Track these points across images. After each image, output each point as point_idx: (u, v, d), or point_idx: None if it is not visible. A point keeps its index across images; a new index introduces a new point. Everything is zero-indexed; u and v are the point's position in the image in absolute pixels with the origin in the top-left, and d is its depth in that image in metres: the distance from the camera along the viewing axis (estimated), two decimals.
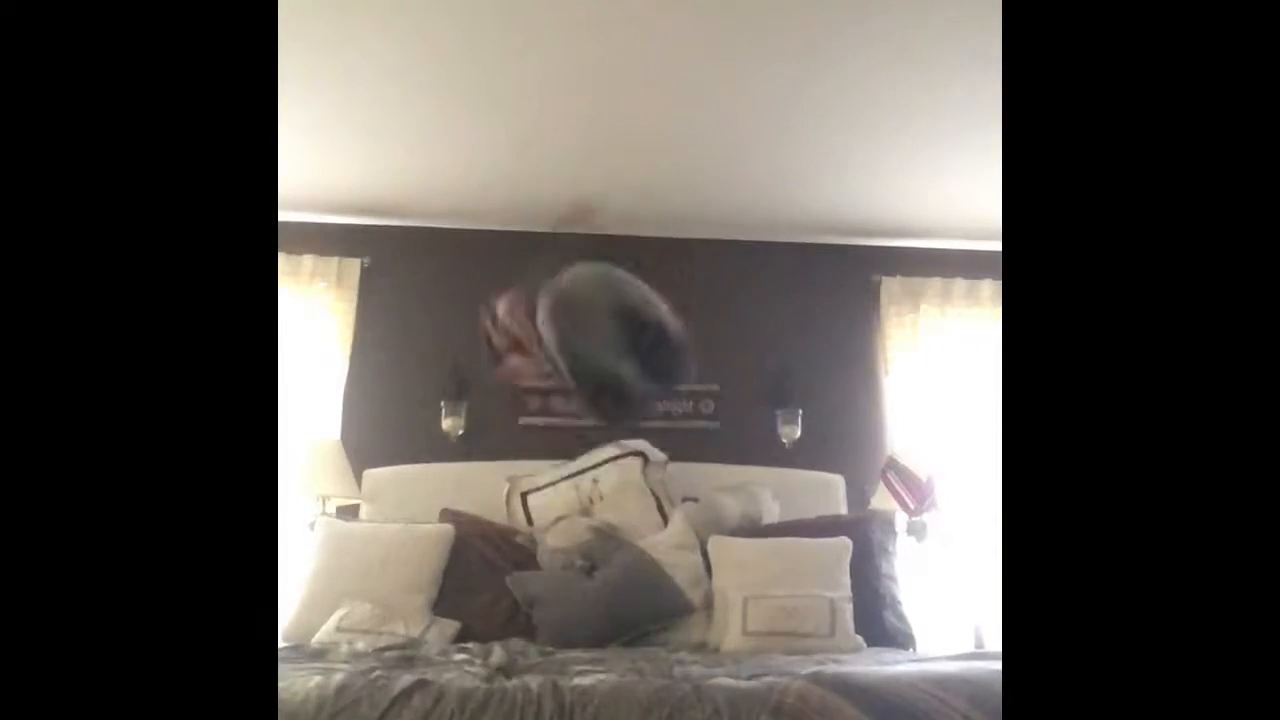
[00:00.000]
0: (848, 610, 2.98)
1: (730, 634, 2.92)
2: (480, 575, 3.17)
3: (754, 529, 3.47)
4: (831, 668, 1.98)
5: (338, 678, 1.77)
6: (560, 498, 3.59)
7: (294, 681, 1.77)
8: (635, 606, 2.90)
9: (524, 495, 3.62)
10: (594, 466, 3.68)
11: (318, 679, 1.77)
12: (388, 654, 2.37)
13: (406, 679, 1.77)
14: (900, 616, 3.30)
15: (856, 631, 2.95)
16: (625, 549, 3.17)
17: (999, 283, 4.33)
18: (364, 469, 3.84)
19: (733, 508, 3.53)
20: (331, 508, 3.71)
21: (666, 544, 3.32)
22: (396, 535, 3.25)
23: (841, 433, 4.26)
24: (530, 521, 3.53)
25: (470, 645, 2.58)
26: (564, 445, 3.98)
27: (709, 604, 3.15)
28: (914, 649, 3.14)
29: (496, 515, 3.55)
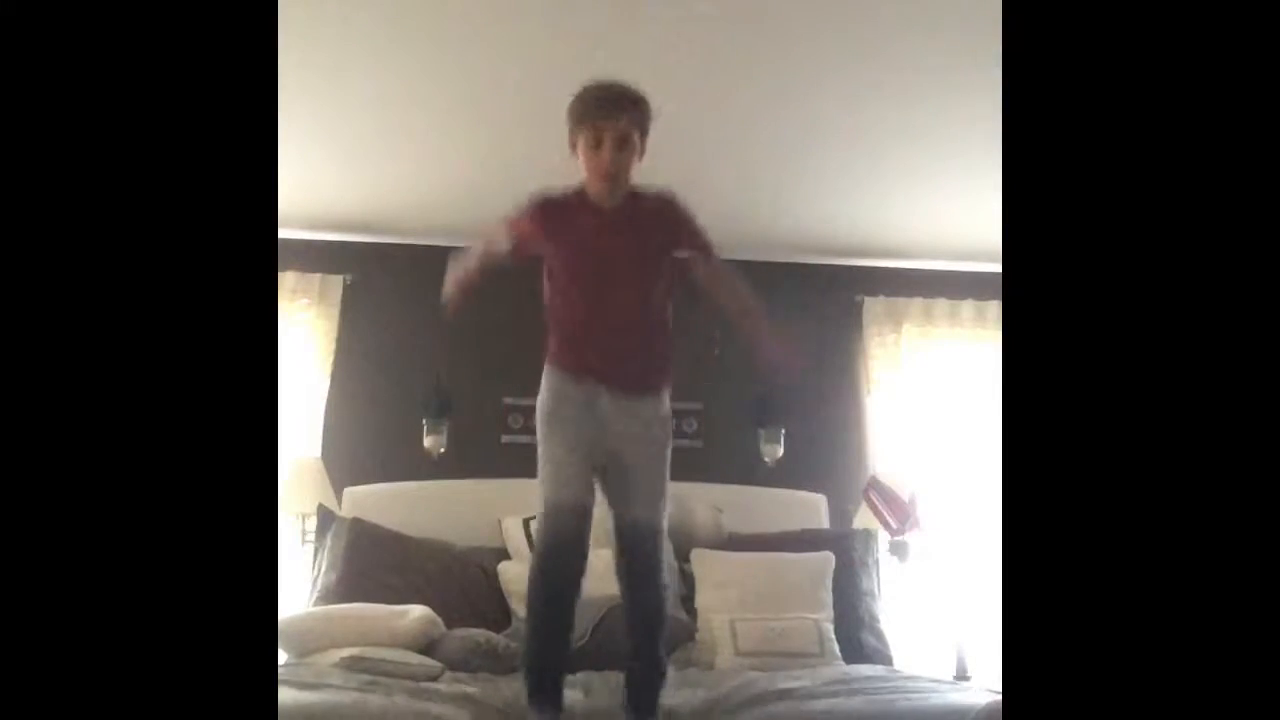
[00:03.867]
0: (831, 631, 2.99)
1: (722, 654, 2.91)
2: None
3: (737, 542, 3.47)
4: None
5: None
6: None
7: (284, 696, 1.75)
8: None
9: (526, 522, 3.58)
10: None
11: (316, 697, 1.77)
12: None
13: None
14: (879, 635, 3.30)
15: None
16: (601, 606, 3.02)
17: (981, 303, 4.35)
18: (345, 487, 3.81)
19: (706, 518, 3.54)
20: (311, 526, 3.67)
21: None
22: (375, 619, 2.90)
23: (824, 452, 4.26)
24: (532, 547, 3.49)
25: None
26: None
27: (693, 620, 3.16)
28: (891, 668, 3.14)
29: (478, 536, 3.53)
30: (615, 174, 2.09)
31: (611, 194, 2.13)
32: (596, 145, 2.08)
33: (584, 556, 2.03)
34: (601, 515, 2.14)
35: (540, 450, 2.12)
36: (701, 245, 2.22)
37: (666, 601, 2.12)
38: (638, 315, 2.16)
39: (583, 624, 2.79)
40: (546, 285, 2.18)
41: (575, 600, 2.03)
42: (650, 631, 2.09)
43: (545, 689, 2.01)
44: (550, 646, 2.04)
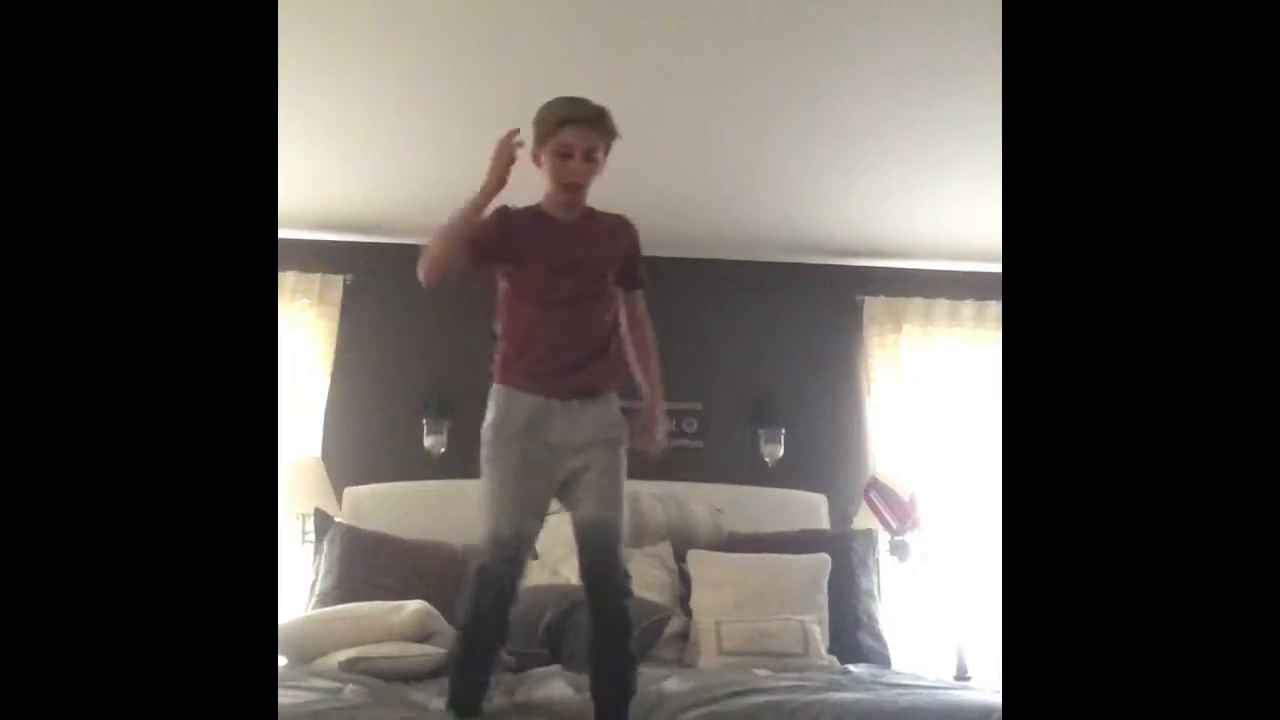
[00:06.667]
0: (818, 632, 3.00)
1: (706, 653, 2.92)
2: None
3: (736, 542, 3.47)
4: None
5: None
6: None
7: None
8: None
9: None
10: None
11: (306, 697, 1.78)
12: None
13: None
14: (876, 636, 3.31)
15: (832, 650, 2.98)
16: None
17: (981, 303, 4.35)
18: (345, 486, 3.81)
19: (705, 519, 3.54)
20: (311, 526, 3.68)
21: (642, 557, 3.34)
22: (372, 617, 2.90)
23: (824, 452, 4.26)
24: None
25: None
26: None
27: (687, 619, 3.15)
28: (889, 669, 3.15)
29: (476, 536, 3.52)
30: (580, 185, 2.16)
31: (572, 207, 2.19)
32: (564, 157, 2.13)
33: (516, 587, 2.14)
34: None
35: (483, 475, 2.16)
36: (642, 281, 2.34)
37: (627, 597, 2.13)
38: (589, 325, 2.20)
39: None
40: (500, 303, 2.25)
41: (507, 621, 2.12)
42: (611, 630, 2.11)
43: (466, 700, 2.11)
44: (479, 660, 2.14)
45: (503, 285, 2.23)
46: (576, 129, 2.13)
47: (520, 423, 2.14)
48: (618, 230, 2.27)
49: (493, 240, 2.15)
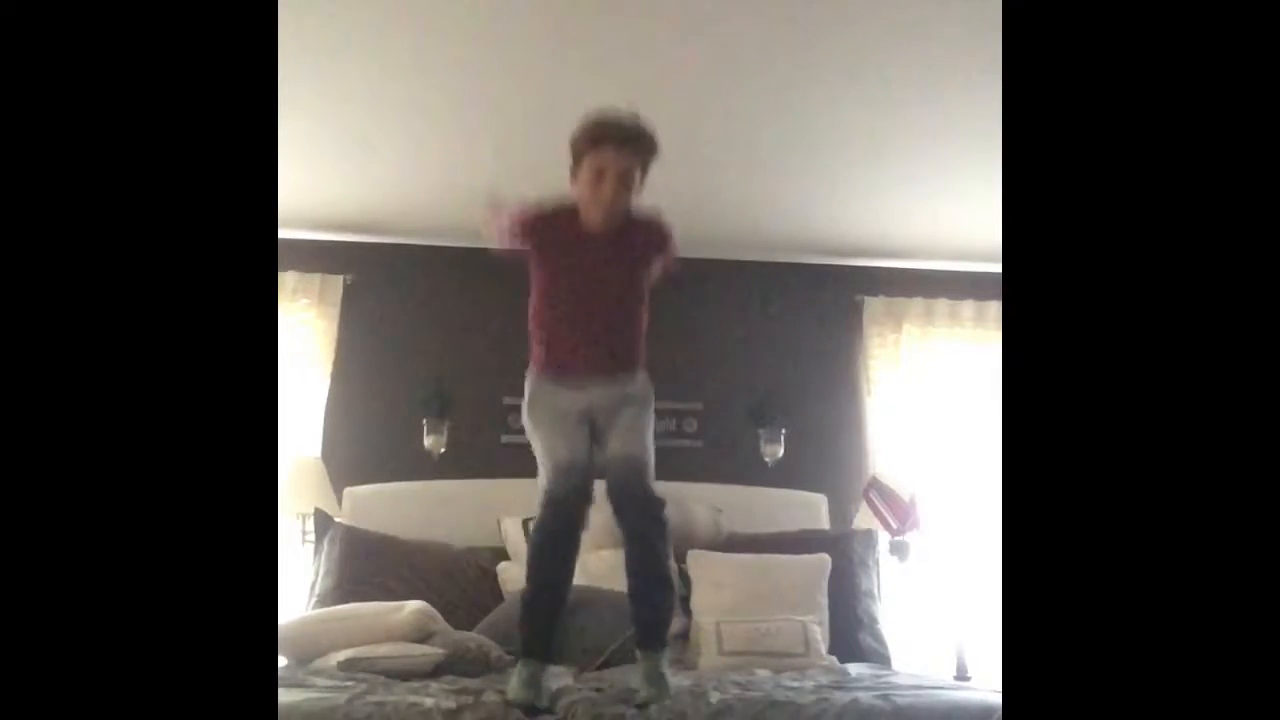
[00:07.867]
0: (818, 632, 3.00)
1: (707, 653, 2.92)
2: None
3: (736, 543, 3.47)
4: None
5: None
6: None
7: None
8: (601, 626, 2.86)
9: (525, 523, 3.58)
10: None
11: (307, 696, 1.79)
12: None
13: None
14: (877, 637, 3.31)
15: (832, 650, 2.98)
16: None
17: (981, 303, 4.35)
18: (345, 487, 3.81)
19: (706, 519, 3.54)
20: (311, 526, 3.68)
21: None
22: (371, 617, 2.89)
23: (824, 452, 4.26)
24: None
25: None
26: None
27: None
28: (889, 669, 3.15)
29: (477, 536, 3.53)
30: (613, 209, 2.11)
31: (606, 225, 2.15)
32: (598, 178, 2.08)
33: (585, 509, 2.15)
34: (604, 520, 2.24)
35: (532, 434, 2.25)
36: (672, 260, 2.33)
37: (665, 528, 2.21)
38: (621, 325, 2.25)
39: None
40: (533, 293, 2.26)
41: (575, 554, 2.15)
42: (650, 559, 2.18)
43: (536, 644, 2.13)
44: (547, 597, 2.16)
45: (534, 278, 2.25)
46: (610, 150, 2.08)
47: (553, 397, 2.23)
48: (649, 231, 2.27)
49: (524, 232, 2.20)
